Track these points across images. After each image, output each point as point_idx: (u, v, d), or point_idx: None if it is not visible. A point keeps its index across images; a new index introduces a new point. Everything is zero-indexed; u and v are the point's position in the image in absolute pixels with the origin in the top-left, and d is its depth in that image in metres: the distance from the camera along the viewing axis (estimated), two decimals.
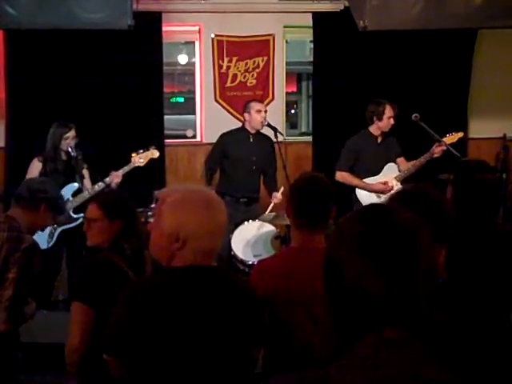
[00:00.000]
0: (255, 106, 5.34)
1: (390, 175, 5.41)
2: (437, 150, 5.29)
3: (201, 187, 2.13)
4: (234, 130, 5.47)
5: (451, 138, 5.43)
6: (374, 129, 5.42)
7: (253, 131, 5.36)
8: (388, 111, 5.34)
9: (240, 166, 5.31)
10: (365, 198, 5.34)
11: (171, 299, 1.89)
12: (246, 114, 5.36)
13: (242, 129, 5.41)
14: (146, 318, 1.86)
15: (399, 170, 5.47)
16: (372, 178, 5.38)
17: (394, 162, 5.50)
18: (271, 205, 5.15)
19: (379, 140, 5.46)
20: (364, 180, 5.38)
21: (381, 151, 5.45)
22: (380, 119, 5.36)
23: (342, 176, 5.38)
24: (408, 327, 1.12)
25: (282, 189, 5.22)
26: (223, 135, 5.45)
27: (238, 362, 1.94)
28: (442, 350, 1.34)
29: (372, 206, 1.26)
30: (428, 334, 1.13)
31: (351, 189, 5.43)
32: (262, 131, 5.42)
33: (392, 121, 5.35)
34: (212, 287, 1.93)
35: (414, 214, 1.25)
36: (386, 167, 5.44)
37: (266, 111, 5.35)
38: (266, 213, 5.06)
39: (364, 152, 5.41)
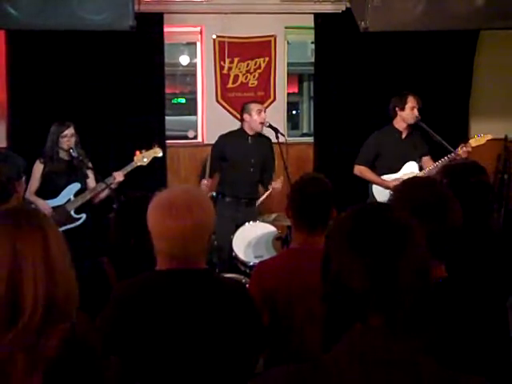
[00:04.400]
0: (255, 107, 5.33)
1: (409, 174, 5.24)
2: (461, 152, 5.17)
3: (186, 189, 2.06)
4: (232, 132, 5.46)
5: (478, 139, 5.30)
6: (398, 122, 5.34)
7: (251, 133, 5.35)
8: (410, 101, 5.28)
9: (238, 168, 5.32)
10: (379, 194, 5.27)
11: (146, 302, 1.90)
12: (245, 115, 5.34)
13: (241, 130, 5.41)
14: (125, 319, 1.89)
15: (420, 170, 5.34)
16: (391, 175, 5.28)
17: (417, 160, 5.37)
18: (267, 192, 5.16)
19: (404, 135, 5.37)
20: (382, 177, 5.29)
21: (404, 148, 5.34)
22: (402, 109, 5.29)
23: (359, 170, 5.36)
24: (392, 316, 1.16)
25: (281, 178, 5.24)
26: (221, 137, 5.47)
27: (229, 363, 1.92)
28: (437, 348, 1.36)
29: (367, 204, 1.29)
30: (414, 325, 1.17)
31: (366, 186, 5.42)
32: (262, 132, 5.43)
33: (416, 112, 5.26)
34: (190, 289, 1.92)
35: (410, 215, 1.27)
36: (405, 165, 5.33)
37: (264, 111, 5.36)
38: (260, 200, 5.08)
39: (385, 148, 5.34)
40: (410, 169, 5.34)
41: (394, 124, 5.38)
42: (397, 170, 5.32)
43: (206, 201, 2.02)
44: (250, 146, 5.34)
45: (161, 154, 5.39)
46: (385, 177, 5.31)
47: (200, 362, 1.87)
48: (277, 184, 5.23)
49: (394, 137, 5.37)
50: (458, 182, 2.49)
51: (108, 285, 2.65)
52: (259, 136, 5.41)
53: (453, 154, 5.18)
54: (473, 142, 5.28)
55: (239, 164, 5.32)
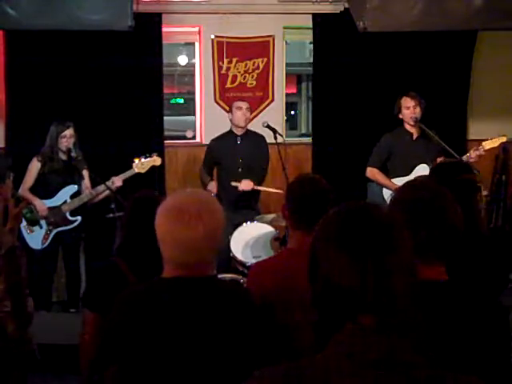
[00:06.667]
0: (236, 103, 5.43)
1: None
2: (473, 155, 5.14)
3: (196, 195, 1.99)
4: (222, 135, 5.51)
5: (492, 142, 5.23)
6: (405, 124, 5.33)
7: (239, 132, 5.38)
8: (404, 102, 5.27)
9: (229, 171, 5.35)
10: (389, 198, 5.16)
11: (151, 310, 1.86)
12: (229, 114, 5.45)
13: (229, 132, 5.45)
14: (129, 326, 1.86)
15: None
16: (402, 178, 5.12)
17: (429, 163, 5.21)
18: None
19: (414, 136, 5.34)
20: (393, 180, 5.21)
21: (415, 149, 5.29)
22: (400, 112, 5.30)
23: (371, 173, 5.32)
24: (383, 315, 1.16)
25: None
26: (212, 142, 5.53)
27: (232, 372, 1.87)
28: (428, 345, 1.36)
29: (352, 202, 1.29)
30: (405, 325, 1.17)
31: (364, 186, 5.41)
32: (256, 130, 5.44)
33: (412, 110, 5.23)
34: (197, 298, 1.87)
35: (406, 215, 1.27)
36: (417, 168, 5.23)
37: (248, 108, 5.38)
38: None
39: (396, 150, 5.31)
40: (422, 171, 5.16)
41: (404, 126, 5.37)
42: (408, 171, 5.21)
43: (217, 207, 1.96)
44: (238, 147, 5.36)
45: (159, 163, 5.41)
46: (395, 180, 5.19)
47: (203, 370, 1.85)
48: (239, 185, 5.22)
49: (404, 138, 5.34)
50: (445, 180, 2.48)
51: (128, 285, 2.64)
52: (250, 135, 5.43)
53: (464, 157, 5.10)
54: (486, 145, 5.22)
55: (229, 166, 5.35)
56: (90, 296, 2.72)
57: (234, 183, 5.20)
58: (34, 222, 5.00)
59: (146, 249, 2.70)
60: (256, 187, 5.23)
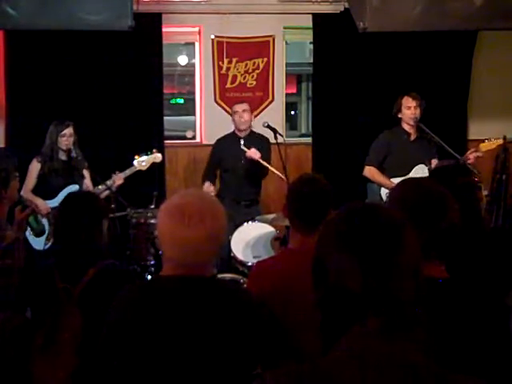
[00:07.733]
0: (234, 107, 5.43)
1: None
2: (471, 157, 5.12)
3: (199, 197, 1.99)
4: (226, 136, 5.52)
5: (489, 144, 5.23)
6: (404, 124, 5.30)
7: (241, 134, 5.38)
8: (405, 101, 5.25)
9: (232, 173, 5.36)
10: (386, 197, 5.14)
11: (149, 308, 1.86)
12: (232, 118, 5.44)
13: (233, 133, 5.46)
14: (126, 324, 1.86)
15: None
16: (400, 178, 5.10)
17: (426, 163, 5.24)
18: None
19: (412, 137, 5.32)
20: (392, 180, 5.14)
21: (412, 150, 5.27)
22: (400, 111, 5.28)
23: (369, 171, 5.26)
24: (389, 317, 1.15)
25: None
26: (217, 141, 5.54)
27: (230, 374, 1.87)
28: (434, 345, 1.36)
29: (358, 204, 1.27)
30: (410, 326, 1.16)
31: (365, 186, 5.39)
32: (259, 131, 5.44)
33: (413, 111, 5.21)
34: (194, 296, 1.87)
35: (404, 215, 1.26)
36: (415, 169, 5.21)
37: (245, 110, 5.36)
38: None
39: (394, 149, 5.27)
40: (420, 172, 5.16)
41: (402, 125, 5.34)
42: (405, 172, 5.16)
43: (219, 209, 1.96)
44: (241, 148, 5.35)
45: (160, 160, 5.40)
46: (395, 180, 5.08)
47: (200, 371, 1.83)
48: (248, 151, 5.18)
49: (402, 138, 5.31)
50: (445, 183, 2.49)
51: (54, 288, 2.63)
52: (253, 136, 5.42)
53: (462, 158, 5.08)
54: (483, 147, 5.22)
55: (232, 167, 5.36)
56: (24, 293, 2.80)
57: (243, 147, 5.18)
58: (39, 234, 4.99)
59: (70, 248, 2.70)
60: (262, 161, 5.17)
